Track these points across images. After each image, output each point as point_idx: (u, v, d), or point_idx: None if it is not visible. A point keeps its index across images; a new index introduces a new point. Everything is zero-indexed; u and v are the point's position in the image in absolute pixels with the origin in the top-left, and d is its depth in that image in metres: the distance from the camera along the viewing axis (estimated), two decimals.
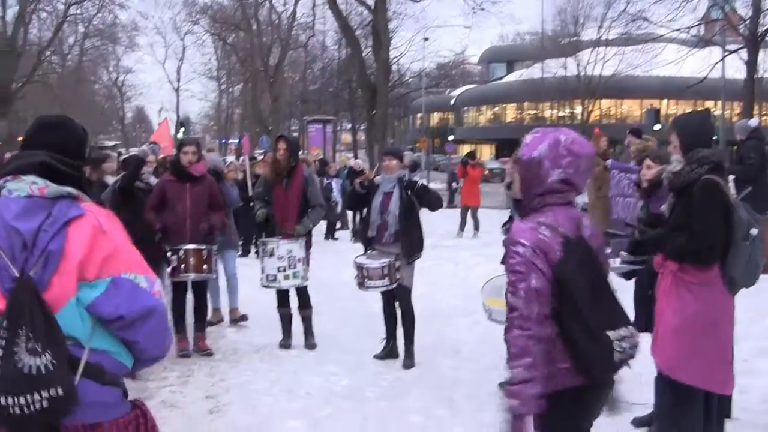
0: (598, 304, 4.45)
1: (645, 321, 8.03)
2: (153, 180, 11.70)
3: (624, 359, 4.50)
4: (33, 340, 3.58)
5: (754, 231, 6.60)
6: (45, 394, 3.56)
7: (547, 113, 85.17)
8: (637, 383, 9.06)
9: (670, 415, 6.75)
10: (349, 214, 27.18)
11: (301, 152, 13.55)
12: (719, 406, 6.94)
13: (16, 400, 3.56)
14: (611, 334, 4.42)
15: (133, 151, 17.66)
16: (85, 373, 3.73)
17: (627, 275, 8.08)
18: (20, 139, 55.47)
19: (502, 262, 5.69)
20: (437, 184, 52.03)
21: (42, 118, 4.24)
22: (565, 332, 4.43)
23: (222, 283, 13.20)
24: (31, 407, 3.56)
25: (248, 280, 13.32)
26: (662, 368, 6.68)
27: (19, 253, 3.74)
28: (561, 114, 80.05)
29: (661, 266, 6.79)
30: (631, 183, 14.91)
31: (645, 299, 7.84)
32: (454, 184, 36.08)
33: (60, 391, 3.58)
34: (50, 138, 4.07)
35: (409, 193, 10.59)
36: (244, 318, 13.16)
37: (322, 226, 24.35)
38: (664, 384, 6.72)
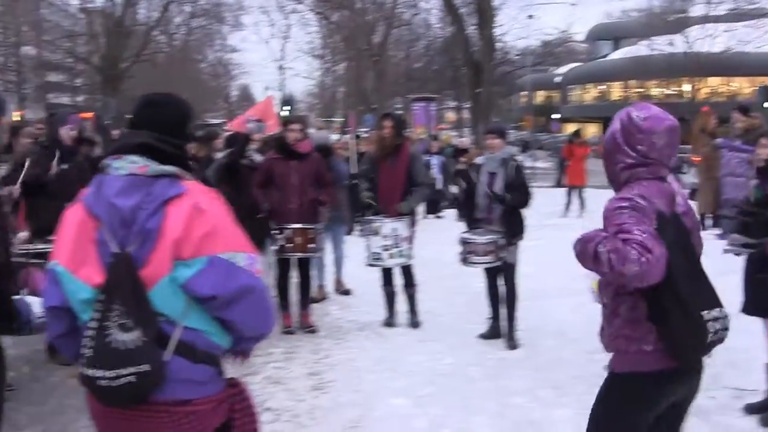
0: (693, 281, 4.30)
1: (755, 305, 7.86)
2: (258, 157, 11.78)
3: (715, 341, 4.32)
4: (125, 316, 3.65)
5: None
6: (132, 369, 3.64)
7: (654, 91, 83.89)
8: (747, 369, 8.95)
9: None
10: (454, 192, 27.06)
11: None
12: None
13: (105, 372, 3.65)
14: (705, 314, 4.25)
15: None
16: (177, 350, 3.79)
17: (737, 253, 7.90)
18: (129, 116, 56.50)
19: None
20: (542, 163, 51.78)
21: (147, 96, 4.27)
22: (656, 311, 4.29)
23: (328, 259, 13.26)
24: (119, 380, 3.64)
25: (352, 257, 13.37)
26: None
27: (119, 229, 3.79)
28: (668, 92, 78.80)
29: None
30: (742, 162, 14.66)
31: (756, 283, 7.63)
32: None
33: (147, 367, 3.66)
34: (155, 116, 4.09)
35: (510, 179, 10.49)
36: (347, 292, 13.20)
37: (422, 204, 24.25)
38: None
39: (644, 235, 4.09)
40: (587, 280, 9.00)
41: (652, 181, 4.45)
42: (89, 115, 20.88)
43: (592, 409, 4.66)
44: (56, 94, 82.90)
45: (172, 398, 3.79)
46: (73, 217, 3.94)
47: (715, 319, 4.28)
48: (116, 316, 3.65)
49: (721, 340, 4.35)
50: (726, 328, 4.36)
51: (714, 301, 4.36)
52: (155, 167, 3.90)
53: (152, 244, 3.74)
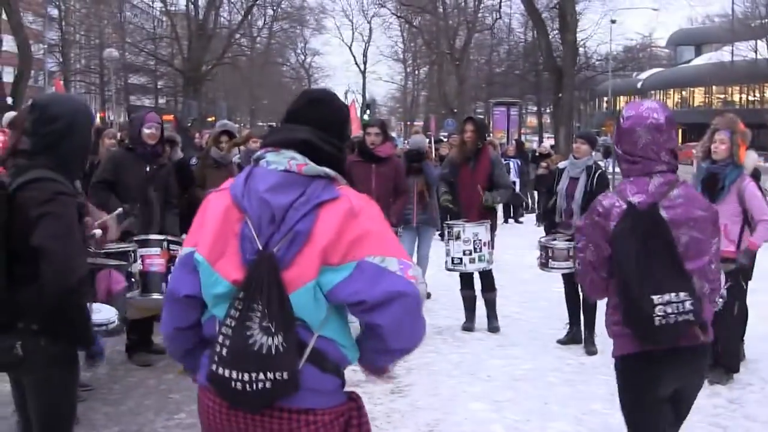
0: (646, 268, 4.50)
1: None
2: None
3: (670, 324, 4.50)
4: (267, 318, 3.49)
5: None
6: (270, 375, 3.50)
7: (736, 97, 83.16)
8: None
9: None
10: (535, 196, 27.01)
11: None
12: None
13: (240, 375, 3.52)
14: (654, 298, 4.47)
15: None
16: (309, 358, 3.61)
17: None
18: (210, 118, 56.78)
19: None
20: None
21: (309, 92, 4.12)
22: (614, 296, 4.68)
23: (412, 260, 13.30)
24: (254, 386, 3.51)
25: (431, 261, 13.38)
26: None
27: (267, 227, 3.61)
28: (751, 98, 78.01)
29: None
30: None
31: None
32: None
33: (285, 375, 3.51)
34: (316, 114, 3.88)
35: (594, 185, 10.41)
36: (427, 296, 13.20)
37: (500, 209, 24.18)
38: None
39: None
40: None
41: (641, 177, 4.73)
42: (170, 117, 21.12)
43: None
44: (138, 96, 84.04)
45: (297, 406, 3.62)
46: (218, 205, 3.76)
47: (667, 303, 4.47)
48: (258, 317, 3.50)
49: (678, 323, 4.51)
50: (682, 312, 4.51)
51: (671, 286, 4.52)
52: (313, 167, 3.70)
53: (299, 247, 3.56)
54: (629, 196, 4.67)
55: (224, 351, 3.54)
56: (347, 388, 3.83)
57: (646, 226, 4.55)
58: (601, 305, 10.67)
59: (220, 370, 3.54)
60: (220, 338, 3.56)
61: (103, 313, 5.66)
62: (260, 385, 3.49)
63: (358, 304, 3.56)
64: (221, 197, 3.77)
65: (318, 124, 3.81)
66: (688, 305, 4.51)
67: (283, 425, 3.61)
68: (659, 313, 4.45)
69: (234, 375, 3.51)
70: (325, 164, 3.73)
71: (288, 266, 3.55)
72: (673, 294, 4.48)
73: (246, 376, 3.50)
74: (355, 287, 3.52)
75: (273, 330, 3.48)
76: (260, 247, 3.58)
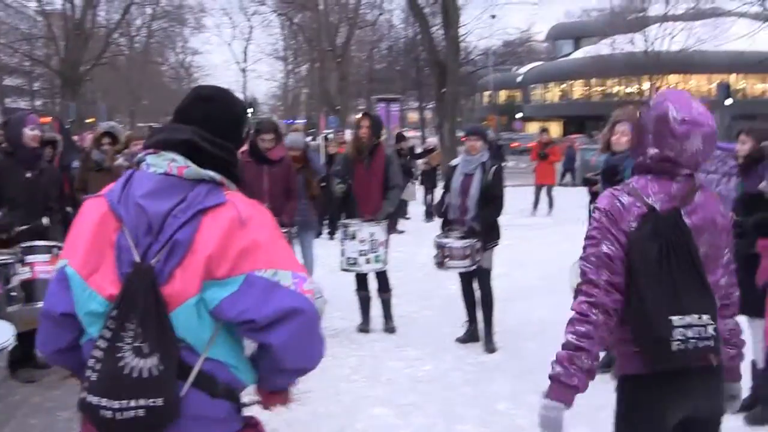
0: (667, 282, 4.00)
1: (747, 304, 7.85)
2: None
3: (689, 349, 3.99)
4: (141, 339, 3.17)
5: None
6: (143, 402, 3.16)
7: (615, 89, 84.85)
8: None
9: None
10: (421, 193, 26.98)
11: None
12: None
13: (110, 402, 3.16)
14: (675, 319, 3.97)
15: None
16: (196, 382, 3.28)
17: None
18: (89, 120, 56.08)
19: None
20: (508, 163, 51.88)
21: (198, 89, 3.79)
22: (626, 311, 4.07)
23: None
24: (125, 413, 3.16)
25: (322, 261, 13.15)
26: None
27: (144, 237, 3.31)
28: (629, 90, 79.70)
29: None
30: (716, 159, 14.58)
31: (742, 282, 7.54)
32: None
33: (161, 401, 3.17)
34: (201, 112, 3.57)
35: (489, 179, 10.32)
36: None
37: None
38: None
39: (593, 262, 4.10)
40: (569, 278, 8.82)
41: (661, 178, 4.20)
42: (48, 119, 20.56)
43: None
44: (14, 99, 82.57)
45: None
46: (93, 212, 3.43)
47: (688, 326, 3.98)
48: (131, 338, 3.17)
49: (698, 349, 4.02)
50: (704, 338, 4.02)
51: (694, 307, 4.04)
52: (196, 170, 3.41)
53: (179, 259, 3.25)
54: (649, 196, 4.15)
55: (94, 376, 3.21)
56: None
57: (669, 233, 4.07)
58: (502, 303, 10.65)
59: (91, 398, 3.21)
60: (91, 362, 3.24)
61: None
62: (132, 413, 3.16)
63: (246, 324, 3.28)
64: (97, 204, 3.45)
65: (204, 123, 3.53)
66: (711, 330, 4.06)
67: None
68: (678, 337, 3.97)
69: (104, 402, 3.18)
70: (210, 167, 3.45)
71: (167, 280, 3.25)
72: (695, 316, 4.02)
73: (116, 404, 3.16)
74: (244, 305, 3.24)
75: (146, 351, 3.17)
76: (137, 259, 3.28)
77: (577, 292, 4.11)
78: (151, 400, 3.16)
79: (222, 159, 3.51)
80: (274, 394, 3.73)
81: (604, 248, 4.05)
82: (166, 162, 3.42)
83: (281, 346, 3.31)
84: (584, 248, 4.14)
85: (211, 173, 3.44)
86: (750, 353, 7.80)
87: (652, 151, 4.20)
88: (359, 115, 11.98)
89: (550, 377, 4.01)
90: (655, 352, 4.02)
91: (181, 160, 3.42)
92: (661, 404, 4.17)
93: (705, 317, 4.03)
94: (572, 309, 4.09)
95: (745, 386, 7.91)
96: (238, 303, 3.23)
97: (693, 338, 3.98)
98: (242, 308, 3.23)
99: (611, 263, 4.03)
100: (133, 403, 3.14)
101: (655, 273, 3.99)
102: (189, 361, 3.29)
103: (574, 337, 4.00)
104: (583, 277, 4.09)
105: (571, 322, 4.05)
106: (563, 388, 3.97)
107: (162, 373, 3.18)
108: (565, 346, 4.01)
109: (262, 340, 3.33)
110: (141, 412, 3.16)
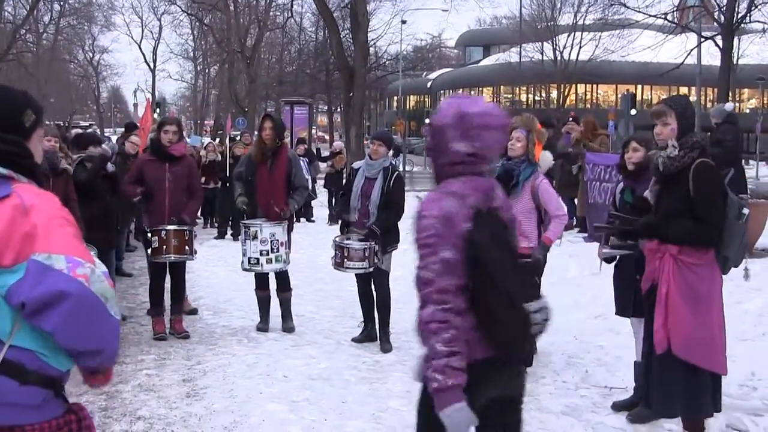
0: (515, 276, 4.24)
1: (623, 306, 8.22)
2: (110, 167, 11.78)
3: (538, 332, 4.33)
4: None
5: (746, 210, 6.68)
6: None
7: (523, 97, 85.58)
8: (615, 368, 9.18)
9: (685, 399, 6.74)
10: (325, 196, 27.13)
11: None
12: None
13: None
14: (528, 305, 4.24)
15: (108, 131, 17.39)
16: (2, 371, 3.30)
17: (608, 259, 8.15)
18: None
19: None
20: (413, 167, 52.23)
21: None
22: (479, 305, 4.15)
23: None
24: None
25: (225, 262, 13.24)
26: (679, 352, 6.63)
27: None
28: (537, 98, 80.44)
29: (656, 251, 6.79)
30: (609, 168, 14.92)
31: (632, 284, 7.82)
32: None
33: None
34: None
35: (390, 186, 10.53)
36: (194, 311, 12.64)
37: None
38: (677, 367, 6.68)
39: (437, 269, 4.11)
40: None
41: (470, 177, 4.34)
42: None
43: None
44: None
45: None
46: None
47: (537, 311, 4.28)
48: None
49: (542, 332, 4.37)
50: (547, 319, 4.35)
51: (534, 293, 4.49)
52: None
53: None
54: (469, 197, 4.24)
55: None
56: None
57: (499, 230, 4.29)
58: (400, 304, 10.83)
59: None
60: None
61: None
62: None
63: (22, 308, 3.27)
64: None
65: None
66: (548, 312, 4.38)
67: None
68: (534, 322, 4.25)
69: None
70: None
71: None
72: (537, 301, 4.34)
73: None
74: (21, 288, 3.25)
75: None
76: None
77: (425, 300, 4.15)
78: None
79: (6, 153, 3.52)
80: (94, 373, 3.61)
81: (444, 253, 4.14)
82: None
83: (56, 331, 3.28)
84: (421, 257, 4.20)
85: None
86: (635, 354, 8.14)
87: (460, 147, 4.31)
88: (263, 117, 12.05)
89: (434, 390, 4.07)
90: (519, 335, 4.25)
91: None
92: (498, 386, 4.32)
93: (543, 301, 4.39)
94: (427, 319, 4.11)
95: (629, 386, 8.28)
96: (21, 288, 3.25)
97: (542, 320, 4.31)
98: (19, 292, 3.25)
99: (454, 267, 4.13)
100: None
101: (507, 269, 4.18)
102: None
103: (443, 344, 4.06)
104: (429, 286, 4.13)
105: (433, 332, 4.09)
106: (449, 391, 4.06)
107: None
108: (437, 355, 4.07)
109: (39, 326, 3.30)
110: None
